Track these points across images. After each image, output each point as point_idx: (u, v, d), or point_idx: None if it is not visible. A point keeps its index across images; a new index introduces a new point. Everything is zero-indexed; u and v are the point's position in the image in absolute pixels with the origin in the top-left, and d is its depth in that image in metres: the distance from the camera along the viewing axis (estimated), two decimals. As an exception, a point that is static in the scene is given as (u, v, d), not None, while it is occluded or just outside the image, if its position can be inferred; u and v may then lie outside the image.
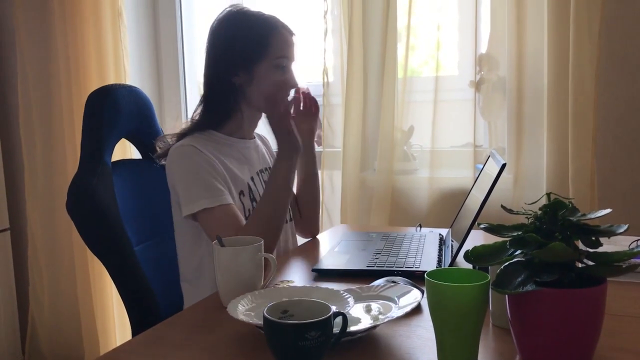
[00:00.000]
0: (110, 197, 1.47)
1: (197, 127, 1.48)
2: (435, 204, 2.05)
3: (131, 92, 1.63)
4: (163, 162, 1.49)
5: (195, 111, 1.54)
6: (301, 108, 1.57)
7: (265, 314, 0.83)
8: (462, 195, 1.64)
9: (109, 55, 2.35)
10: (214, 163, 1.42)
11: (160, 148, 1.51)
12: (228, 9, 1.51)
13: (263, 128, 1.59)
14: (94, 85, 2.34)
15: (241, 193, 1.46)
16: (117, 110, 1.56)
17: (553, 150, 1.91)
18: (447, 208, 1.98)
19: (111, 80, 2.33)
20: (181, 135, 1.47)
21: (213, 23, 1.51)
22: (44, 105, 2.45)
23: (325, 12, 2.17)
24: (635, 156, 1.88)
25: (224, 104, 1.48)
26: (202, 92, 1.56)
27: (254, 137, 1.62)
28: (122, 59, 2.35)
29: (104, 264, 1.45)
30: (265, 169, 1.58)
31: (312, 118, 1.59)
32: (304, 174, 1.64)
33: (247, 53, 1.45)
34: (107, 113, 1.53)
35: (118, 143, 1.61)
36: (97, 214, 1.41)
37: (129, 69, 2.36)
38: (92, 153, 1.50)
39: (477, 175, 1.56)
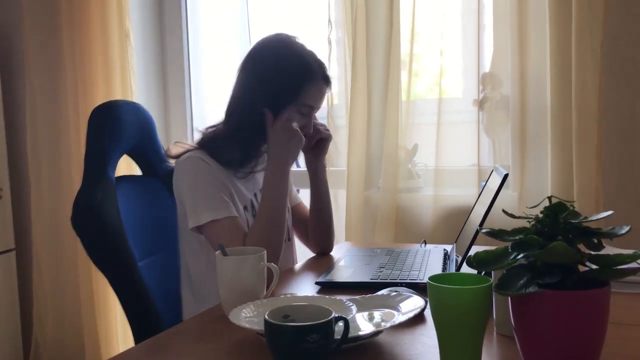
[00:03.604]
0: (115, 212, 1.48)
1: (212, 154, 1.46)
2: (440, 221, 2.05)
3: (133, 108, 1.64)
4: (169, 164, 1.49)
5: (213, 128, 1.52)
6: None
7: (267, 317, 0.83)
8: (467, 213, 1.64)
9: (116, 76, 2.38)
10: (220, 176, 1.43)
11: (170, 151, 1.51)
12: (274, 38, 1.50)
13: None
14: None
15: (245, 208, 1.47)
16: (120, 126, 1.56)
17: (557, 168, 1.90)
18: (452, 226, 1.97)
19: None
20: (194, 149, 1.48)
21: (256, 47, 1.49)
22: (51, 126, 2.47)
23: (330, 40, 2.19)
24: (640, 173, 1.88)
25: (247, 149, 1.47)
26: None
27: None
28: (129, 79, 2.37)
29: (107, 278, 1.45)
30: None
31: (316, 147, 1.59)
32: (315, 193, 1.64)
33: (279, 93, 1.44)
34: (111, 128, 1.53)
35: (121, 159, 1.62)
36: (102, 228, 1.41)
37: (135, 88, 2.39)
38: (96, 168, 1.51)
39: (480, 191, 1.56)
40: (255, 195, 1.53)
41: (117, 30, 2.37)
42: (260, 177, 1.57)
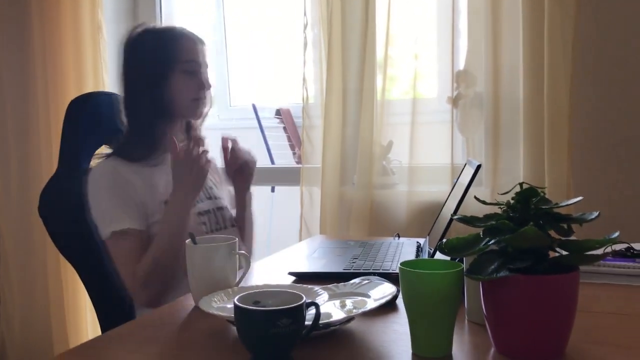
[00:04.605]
0: (85, 202, 1.46)
1: (122, 155, 1.45)
2: (414, 217, 2.05)
3: (115, 100, 1.63)
4: None
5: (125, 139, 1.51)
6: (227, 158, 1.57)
7: (237, 302, 0.81)
8: (440, 208, 1.65)
9: (87, 69, 2.34)
10: (129, 185, 1.40)
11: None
12: (136, 30, 1.53)
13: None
14: (72, 98, 2.33)
15: (166, 202, 1.44)
16: (96, 117, 1.56)
17: (529, 164, 1.92)
18: (426, 221, 1.97)
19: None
20: (105, 157, 1.46)
21: (125, 43, 1.54)
22: (20, 120, 2.42)
23: (305, 45, 2.19)
24: (611, 168, 1.91)
25: (152, 136, 1.48)
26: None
27: None
28: (101, 72, 2.34)
29: (73, 266, 1.43)
30: None
31: (242, 172, 1.57)
32: (239, 220, 1.64)
33: (158, 63, 1.47)
34: (85, 119, 1.54)
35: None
36: (69, 216, 1.39)
37: (108, 81, 2.35)
38: (68, 158, 1.51)
39: (452, 186, 1.57)
40: None
41: (89, 23, 2.34)
42: None
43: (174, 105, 1.49)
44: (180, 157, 1.37)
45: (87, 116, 1.55)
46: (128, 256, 1.35)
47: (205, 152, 1.40)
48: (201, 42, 1.54)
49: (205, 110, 1.55)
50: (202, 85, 1.51)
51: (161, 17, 2.60)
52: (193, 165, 1.37)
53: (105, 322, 1.47)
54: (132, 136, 1.47)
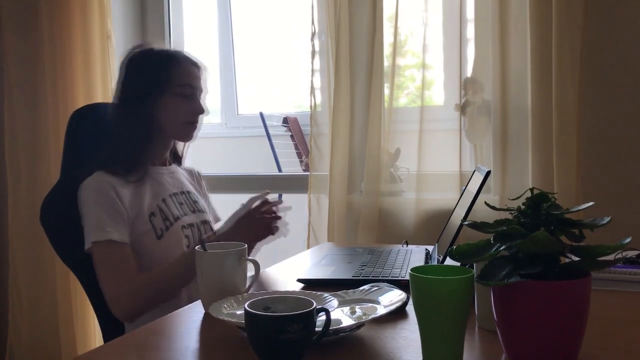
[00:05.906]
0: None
1: (108, 170, 1.45)
2: (422, 224, 2.05)
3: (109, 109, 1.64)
4: None
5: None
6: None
7: (247, 307, 0.81)
8: (448, 216, 1.65)
9: (96, 78, 2.36)
10: (116, 198, 1.40)
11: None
12: (136, 49, 1.55)
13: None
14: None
15: (152, 214, 1.46)
16: (98, 128, 1.57)
17: (538, 170, 1.92)
18: (434, 228, 1.97)
19: (99, 101, 2.33)
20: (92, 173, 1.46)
21: (122, 61, 1.55)
22: (30, 128, 2.44)
23: (313, 53, 2.20)
24: (620, 174, 1.90)
25: (140, 153, 1.48)
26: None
27: (169, 164, 1.62)
28: (110, 81, 2.36)
29: (77, 275, 1.46)
30: (181, 192, 1.58)
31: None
32: None
33: (152, 84, 1.48)
34: (87, 130, 1.55)
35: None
36: (70, 226, 1.42)
37: (116, 90, 2.37)
38: (70, 168, 1.54)
39: (461, 193, 1.57)
40: (163, 200, 1.51)
41: (98, 31, 2.36)
42: (167, 182, 1.56)
43: (166, 127, 1.51)
44: (258, 214, 1.42)
45: (89, 127, 1.56)
46: (112, 265, 1.37)
47: (277, 217, 1.46)
48: (200, 67, 1.55)
49: (196, 134, 1.56)
50: (195, 110, 1.52)
51: (169, 27, 2.62)
52: (262, 226, 1.43)
53: (107, 329, 1.48)
54: (120, 151, 1.48)
